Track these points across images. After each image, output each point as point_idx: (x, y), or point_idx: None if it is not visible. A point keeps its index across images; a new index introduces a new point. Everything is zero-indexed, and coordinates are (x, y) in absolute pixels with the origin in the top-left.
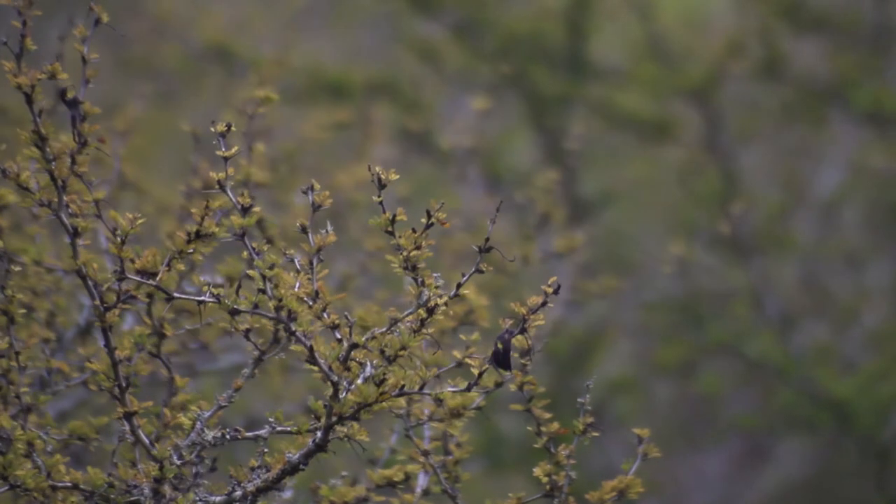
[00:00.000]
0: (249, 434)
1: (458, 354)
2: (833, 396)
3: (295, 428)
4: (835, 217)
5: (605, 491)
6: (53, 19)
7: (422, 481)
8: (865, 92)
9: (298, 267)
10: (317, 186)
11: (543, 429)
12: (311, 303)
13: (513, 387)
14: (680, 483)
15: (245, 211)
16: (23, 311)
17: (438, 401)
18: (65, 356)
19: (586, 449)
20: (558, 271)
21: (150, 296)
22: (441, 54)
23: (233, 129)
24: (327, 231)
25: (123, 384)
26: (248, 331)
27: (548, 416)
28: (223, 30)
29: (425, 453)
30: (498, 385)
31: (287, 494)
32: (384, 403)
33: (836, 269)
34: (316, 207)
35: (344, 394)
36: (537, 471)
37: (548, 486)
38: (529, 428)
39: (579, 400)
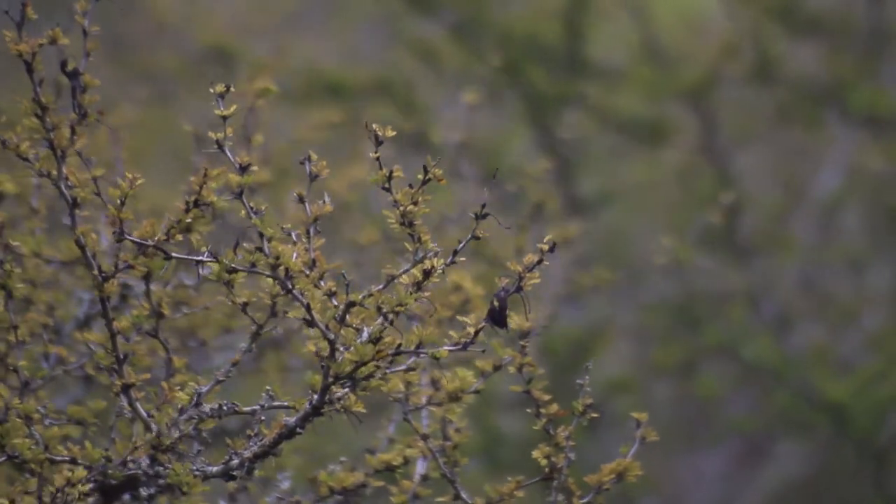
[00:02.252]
0: (247, 409)
1: (455, 334)
2: (830, 398)
3: (291, 402)
4: (833, 219)
5: (604, 474)
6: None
7: (420, 467)
8: (861, 94)
9: (294, 238)
10: (314, 157)
11: (543, 410)
12: (307, 271)
13: (511, 369)
14: (679, 483)
15: (244, 170)
16: (22, 290)
17: (435, 359)
18: (65, 345)
19: (586, 448)
20: (552, 262)
21: (147, 275)
22: (439, 54)
23: (232, 89)
24: (324, 202)
25: (121, 356)
26: (245, 304)
27: (547, 397)
28: (222, 30)
29: (424, 437)
30: (497, 368)
31: (285, 485)
32: (380, 363)
33: (834, 272)
34: (314, 177)
35: (341, 353)
36: (536, 453)
37: (547, 469)
38: (529, 410)
39: (578, 381)
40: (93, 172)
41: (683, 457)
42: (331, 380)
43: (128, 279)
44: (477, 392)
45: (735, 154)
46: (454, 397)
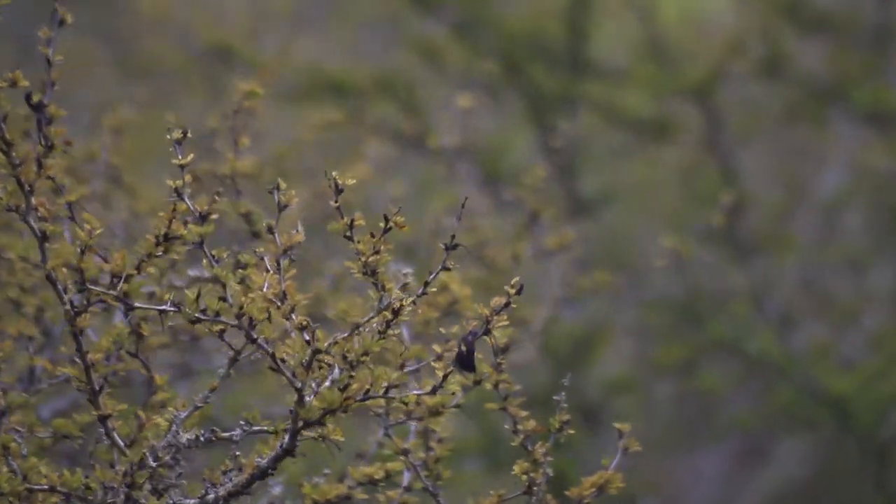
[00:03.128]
0: (225, 435)
1: (438, 349)
2: (832, 393)
3: (272, 427)
4: (836, 218)
5: (585, 487)
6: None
7: (408, 478)
8: (867, 91)
9: (268, 266)
10: (282, 185)
11: (520, 427)
12: (279, 304)
13: (488, 385)
14: (678, 482)
15: (203, 219)
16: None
17: (404, 404)
18: (53, 353)
19: (585, 450)
20: (551, 268)
21: (125, 296)
22: (440, 53)
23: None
24: (297, 231)
25: (97, 388)
26: (222, 331)
27: (524, 413)
28: (223, 29)
29: (405, 451)
30: (477, 382)
31: (276, 490)
32: (351, 407)
33: (835, 271)
34: (282, 207)
35: (310, 398)
36: (516, 469)
37: (526, 484)
38: (507, 426)
39: (554, 398)
40: (66, 198)
41: (683, 457)
42: (300, 424)
43: None
44: (458, 406)
45: (738, 152)
46: (435, 412)
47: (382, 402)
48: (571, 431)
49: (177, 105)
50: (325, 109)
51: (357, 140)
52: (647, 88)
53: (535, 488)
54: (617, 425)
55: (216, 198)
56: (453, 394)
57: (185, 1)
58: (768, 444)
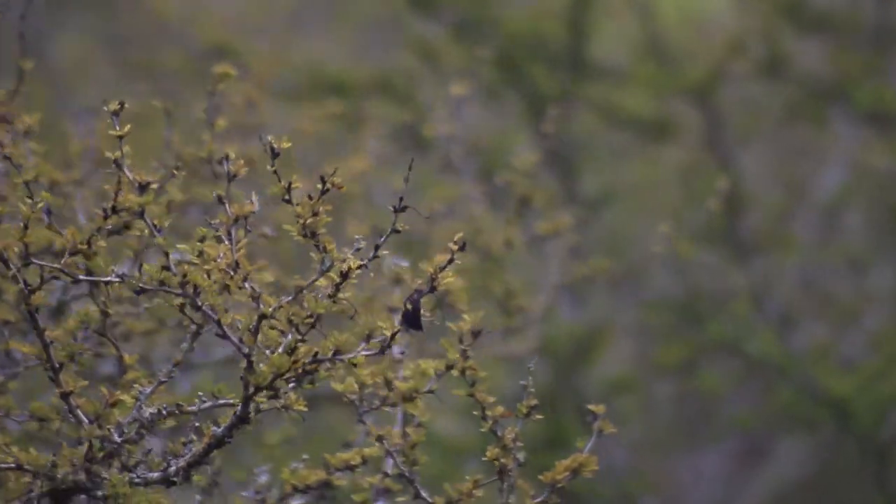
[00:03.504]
0: (190, 409)
1: (382, 324)
2: (832, 394)
3: (235, 399)
4: (836, 218)
5: (559, 471)
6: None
7: (388, 465)
8: (867, 91)
9: (223, 237)
10: (231, 155)
11: (488, 412)
12: (231, 273)
13: (455, 372)
14: (678, 482)
15: (143, 189)
16: None
17: (353, 366)
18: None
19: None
20: (549, 256)
21: (88, 274)
22: (440, 53)
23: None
24: (250, 201)
25: (57, 365)
26: (182, 305)
27: (492, 399)
28: (224, 29)
29: (380, 438)
30: (449, 367)
31: (263, 479)
32: (298, 371)
33: (836, 271)
34: (231, 177)
35: (259, 364)
36: (488, 453)
37: (497, 469)
38: (475, 413)
39: (521, 382)
40: (22, 177)
41: (683, 457)
42: (252, 390)
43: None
44: (431, 392)
45: (738, 152)
46: (408, 397)
47: (355, 387)
48: (539, 417)
49: (180, 102)
50: (319, 105)
51: (356, 136)
52: (647, 88)
53: (506, 474)
54: (591, 407)
55: (175, 172)
56: (424, 375)
57: (187, 1)
58: (768, 444)
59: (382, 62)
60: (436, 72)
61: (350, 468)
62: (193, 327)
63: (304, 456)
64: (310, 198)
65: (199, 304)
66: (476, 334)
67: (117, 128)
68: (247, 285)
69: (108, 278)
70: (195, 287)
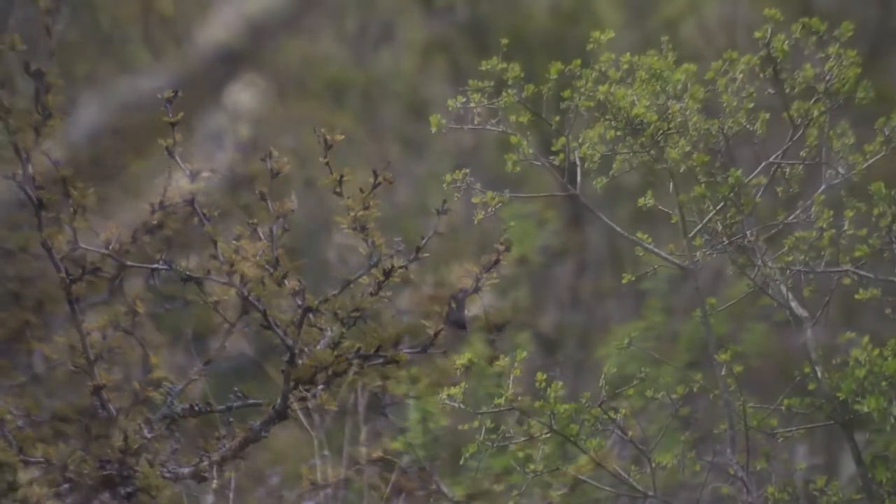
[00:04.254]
0: (220, 407)
1: (428, 325)
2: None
3: (266, 400)
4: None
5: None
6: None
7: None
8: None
9: (261, 235)
10: (274, 153)
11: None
12: (271, 270)
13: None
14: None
15: (194, 176)
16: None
17: (395, 362)
18: (52, 342)
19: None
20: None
21: (119, 270)
22: (444, 53)
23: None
24: (290, 199)
25: (92, 357)
26: (216, 303)
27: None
28: (225, 28)
29: (402, 430)
30: (470, 362)
31: (273, 480)
32: (341, 367)
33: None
34: (274, 174)
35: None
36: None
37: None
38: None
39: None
40: (60, 171)
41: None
42: (292, 384)
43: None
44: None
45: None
46: (433, 391)
47: (378, 379)
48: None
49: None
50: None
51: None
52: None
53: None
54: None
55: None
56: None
57: (189, 1)
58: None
59: (386, 62)
60: (440, 72)
61: (373, 462)
62: (227, 326)
63: (324, 452)
64: (361, 191)
65: (246, 293)
66: (502, 327)
67: (170, 116)
68: (286, 282)
69: (156, 265)
70: (242, 276)
